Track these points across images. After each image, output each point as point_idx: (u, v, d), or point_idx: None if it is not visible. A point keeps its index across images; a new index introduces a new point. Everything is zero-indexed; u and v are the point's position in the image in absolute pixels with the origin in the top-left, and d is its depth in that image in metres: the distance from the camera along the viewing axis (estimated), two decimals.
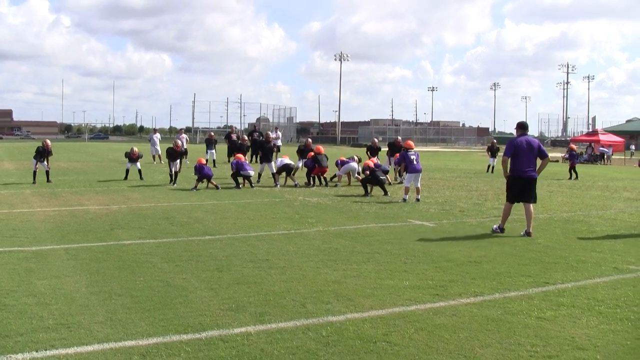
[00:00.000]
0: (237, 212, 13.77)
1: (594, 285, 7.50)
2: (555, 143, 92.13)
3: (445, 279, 7.67)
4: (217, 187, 18.98)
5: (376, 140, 25.53)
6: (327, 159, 21.06)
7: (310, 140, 24.80)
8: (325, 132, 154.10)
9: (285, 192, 18.56)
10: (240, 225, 11.96)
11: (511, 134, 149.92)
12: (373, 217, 13.35)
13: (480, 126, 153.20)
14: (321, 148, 21.18)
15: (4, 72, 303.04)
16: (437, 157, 50.98)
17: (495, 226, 11.43)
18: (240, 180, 19.72)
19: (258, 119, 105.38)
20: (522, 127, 11.44)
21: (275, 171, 20.65)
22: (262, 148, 21.48)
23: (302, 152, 23.18)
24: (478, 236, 11.03)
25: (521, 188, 11.18)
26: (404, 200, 16.25)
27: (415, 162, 16.56)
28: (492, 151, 31.09)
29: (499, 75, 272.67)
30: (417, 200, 16.30)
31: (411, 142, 17.93)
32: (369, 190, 17.85)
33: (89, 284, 7.20)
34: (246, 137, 29.55)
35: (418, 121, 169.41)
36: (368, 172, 18.13)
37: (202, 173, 18.95)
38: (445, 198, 17.42)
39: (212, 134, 33.72)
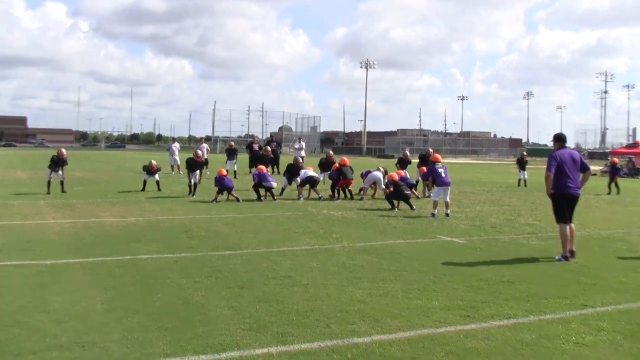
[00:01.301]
0: (258, 226, 13.80)
1: (636, 309, 7.37)
2: (593, 155, 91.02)
3: (477, 299, 7.59)
4: (237, 200, 19.03)
5: (407, 152, 25.46)
6: (353, 171, 21.04)
7: (331, 152, 24.77)
8: (350, 142, 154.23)
9: (308, 205, 18.57)
10: (262, 239, 11.97)
11: (545, 145, 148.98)
12: (400, 233, 13.30)
13: (512, 137, 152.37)
14: (346, 159, 21.16)
15: (19, 77, 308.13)
16: (467, 170, 50.69)
17: (558, 257, 10.58)
18: (262, 192, 19.76)
19: (280, 128, 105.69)
20: (560, 139, 10.95)
21: (299, 183, 20.65)
22: (292, 169, 21.36)
23: (324, 166, 23.18)
24: (511, 254, 10.92)
25: (567, 205, 10.67)
26: (433, 215, 16.16)
27: (443, 175, 16.49)
28: (522, 164, 30.79)
29: (532, 83, 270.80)
30: (446, 215, 16.21)
31: (438, 155, 17.87)
32: (395, 204, 17.79)
33: (104, 300, 7.24)
34: (269, 148, 29.64)
35: (447, 131, 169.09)
36: (392, 187, 18.10)
37: (222, 185, 19.03)
38: (475, 213, 17.30)
39: (233, 143, 33.88)
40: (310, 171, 21.11)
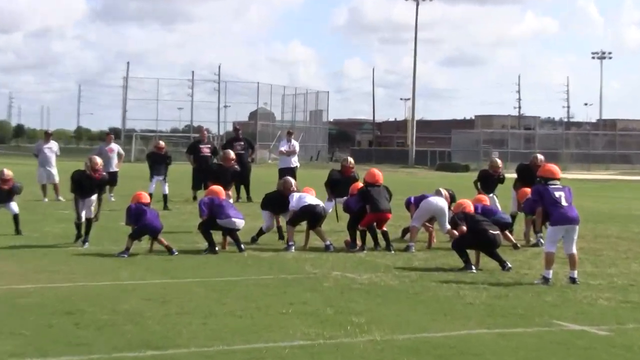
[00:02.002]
0: (209, 302, 13.84)
1: None
2: None
3: None
4: (170, 251, 19.03)
5: (498, 160, 25.50)
6: (390, 196, 21.00)
7: (350, 160, 24.73)
8: (386, 141, 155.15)
9: (306, 260, 18.66)
10: (216, 328, 11.96)
11: None
12: (482, 315, 13.30)
13: None
14: (377, 173, 21.12)
15: None
16: (612, 193, 50.77)
17: None
18: (218, 238, 19.71)
19: (253, 114, 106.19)
20: None
21: (288, 219, 20.62)
22: (277, 201, 21.32)
23: (337, 186, 23.16)
24: None
25: None
26: (545, 280, 16.10)
27: (564, 204, 16.39)
28: None
29: None
30: (572, 280, 16.17)
31: (554, 168, 17.71)
32: (471, 259, 17.70)
33: None
34: (231, 153, 29.50)
35: (571, 119, 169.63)
36: (464, 226, 17.97)
37: (141, 222, 19.00)
38: (630, 277, 17.33)
39: (162, 144, 33.93)
40: (309, 196, 21.10)
